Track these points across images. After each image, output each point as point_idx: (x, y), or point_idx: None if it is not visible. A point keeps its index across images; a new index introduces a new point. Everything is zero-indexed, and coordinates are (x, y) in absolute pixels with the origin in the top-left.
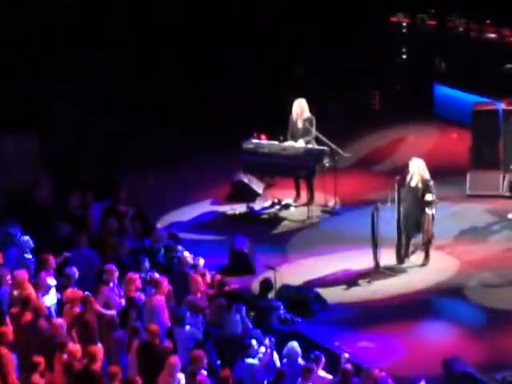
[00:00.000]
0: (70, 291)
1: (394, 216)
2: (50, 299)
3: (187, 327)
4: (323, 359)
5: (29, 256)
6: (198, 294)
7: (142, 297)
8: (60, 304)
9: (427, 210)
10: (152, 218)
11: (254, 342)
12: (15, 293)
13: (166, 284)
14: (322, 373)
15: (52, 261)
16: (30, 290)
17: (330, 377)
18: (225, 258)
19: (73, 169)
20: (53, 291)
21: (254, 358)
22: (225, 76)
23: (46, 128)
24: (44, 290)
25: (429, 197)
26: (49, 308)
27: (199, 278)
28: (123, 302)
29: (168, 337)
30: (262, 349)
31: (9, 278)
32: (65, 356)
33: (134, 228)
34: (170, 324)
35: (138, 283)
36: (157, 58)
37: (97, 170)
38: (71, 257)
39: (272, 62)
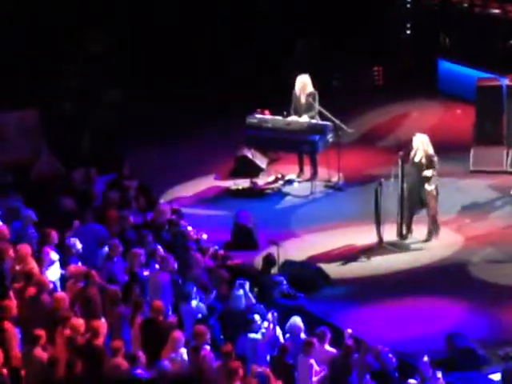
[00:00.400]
0: (73, 267)
1: (398, 192)
2: (54, 274)
3: (193, 302)
4: (329, 335)
5: (31, 230)
6: (199, 270)
7: (146, 272)
8: (63, 279)
9: (427, 186)
10: (155, 192)
11: (256, 316)
12: (18, 267)
13: (171, 260)
14: (327, 347)
15: (54, 235)
16: (33, 264)
17: (334, 351)
18: (228, 233)
19: (75, 144)
20: (56, 266)
21: (256, 332)
22: (227, 51)
23: (48, 104)
24: (47, 264)
25: (427, 173)
26: (53, 283)
27: (199, 256)
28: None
29: (175, 312)
30: (266, 324)
31: (11, 252)
32: (67, 330)
33: (137, 203)
34: (174, 300)
35: (142, 258)
36: (160, 33)
37: (98, 145)
38: (77, 233)
39: (274, 37)
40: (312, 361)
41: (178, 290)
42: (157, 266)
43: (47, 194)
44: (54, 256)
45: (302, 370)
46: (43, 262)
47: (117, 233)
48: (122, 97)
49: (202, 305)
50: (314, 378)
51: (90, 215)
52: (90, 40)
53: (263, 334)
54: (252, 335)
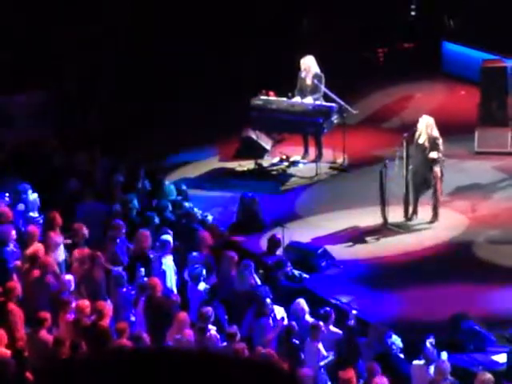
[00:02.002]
0: (78, 251)
1: (403, 173)
2: (59, 256)
3: (201, 284)
4: (333, 316)
5: (35, 214)
6: (205, 251)
7: (151, 254)
8: (68, 261)
9: (434, 168)
10: (160, 174)
11: (268, 300)
12: (23, 250)
13: (172, 242)
14: (332, 328)
15: (59, 218)
16: (39, 247)
17: (339, 332)
18: (233, 214)
19: (81, 125)
20: (61, 248)
21: (267, 316)
22: (234, 32)
23: (56, 85)
24: (52, 246)
25: (433, 154)
26: (58, 264)
27: (206, 234)
28: (131, 258)
29: (181, 293)
30: (277, 311)
31: (14, 234)
32: (68, 314)
33: (142, 184)
34: (180, 281)
35: (148, 240)
36: (166, 15)
37: (104, 126)
38: (78, 212)
39: (279, 18)
40: (319, 345)
41: (186, 271)
42: (160, 248)
43: (52, 175)
44: (59, 238)
45: (309, 354)
46: (49, 245)
47: (121, 214)
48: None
49: (208, 286)
50: (322, 363)
51: (91, 194)
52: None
53: (275, 322)
54: (263, 320)
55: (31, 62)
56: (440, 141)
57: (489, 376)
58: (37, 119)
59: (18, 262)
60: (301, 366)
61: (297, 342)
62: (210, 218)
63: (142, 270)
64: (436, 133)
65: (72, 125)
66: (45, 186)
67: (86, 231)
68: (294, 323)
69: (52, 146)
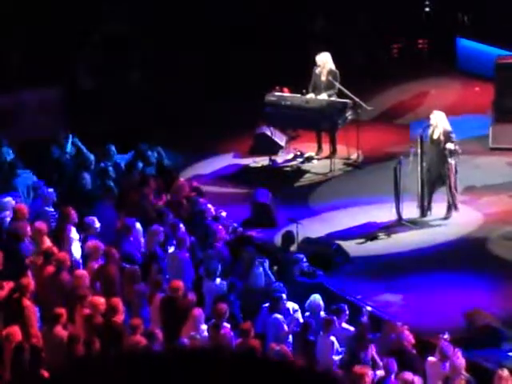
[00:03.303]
0: (91, 243)
1: (417, 169)
2: (75, 252)
3: (217, 280)
4: (346, 311)
5: (50, 209)
6: (219, 245)
7: (171, 249)
8: (83, 256)
9: (450, 160)
10: (174, 170)
11: (283, 296)
12: (35, 245)
13: (188, 238)
14: (345, 325)
15: (74, 214)
16: (49, 242)
17: (352, 329)
18: (247, 210)
19: (95, 122)
20: (76, 244)
21: (281, 313)
22: (248, 30)
23: (70, 82)
24: (68, 242)
25: (450, 145)
26: (75, 261)
27: (220, 228)
28: (145, 255)
29: (195, 289)
30: (291, 307)
31: (29, 230)
32: (85, 309)
33: (156, 183)
34: (194, 277)
35: (161, 236)
36: (183, 14)
37: (119, 123)
38: (95, 211)
39: (292, 15)
40: (333, 338)
41: (202, 267)
42: (176, 244)
43: (66, 171)
44: (75, 234)
45: (322, 348)
46: (65, 240)
47: (136, 212)
48: (141, 77)
49: (224, 282)
50: (336, 357)
51: (108, 196)
52: (113, 18)
53: (289, 319)
54: (277, 315)
55: (44, 58)
56: (453, 134)
57: (507, 373)
58: (49, 116)
59: (32, 258)
60: (316, 363)
61: (313, 338)
62: (223, 214)
63: (156, 266)
64: (448, 126)
65: (85, 122)
66: (58, 183)
67: (98, 225)
68: (310, 320)
69: (65, 142)
